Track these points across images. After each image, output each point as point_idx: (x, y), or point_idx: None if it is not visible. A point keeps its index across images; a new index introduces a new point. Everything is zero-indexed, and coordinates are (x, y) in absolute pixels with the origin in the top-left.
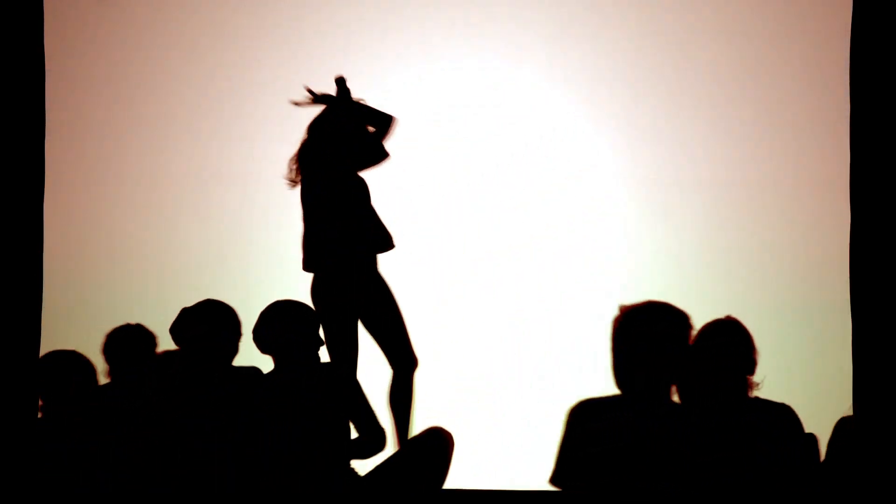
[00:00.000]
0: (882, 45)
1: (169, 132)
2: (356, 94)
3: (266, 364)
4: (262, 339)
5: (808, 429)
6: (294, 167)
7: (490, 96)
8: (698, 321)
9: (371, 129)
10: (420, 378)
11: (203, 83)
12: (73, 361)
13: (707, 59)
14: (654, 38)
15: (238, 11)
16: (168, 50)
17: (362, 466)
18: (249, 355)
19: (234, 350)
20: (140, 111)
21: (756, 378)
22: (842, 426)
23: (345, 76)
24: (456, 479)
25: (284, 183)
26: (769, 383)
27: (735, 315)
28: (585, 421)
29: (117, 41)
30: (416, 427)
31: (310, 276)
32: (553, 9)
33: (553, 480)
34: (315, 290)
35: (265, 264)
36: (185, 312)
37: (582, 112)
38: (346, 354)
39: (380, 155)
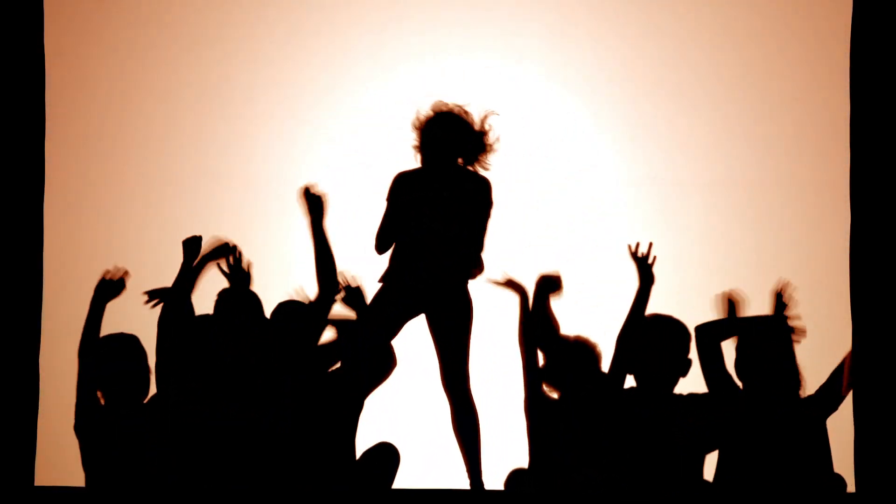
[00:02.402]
0: (882, 45)
1: (169, 132)
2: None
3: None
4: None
5: None
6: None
7: (490, 96)
8: (698, 321)
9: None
10: (419, 379)
11: (203, 83)
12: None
13: (707, 59)
14: (654, 38)
15: (238, 11)
16: (168, 50)
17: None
18: None
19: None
20: (140, 111)
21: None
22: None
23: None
24: (455, 479)
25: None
26: None
27: (735, 315)
28: None
29: (117, 41)
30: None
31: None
32: (553, 8)
33: None
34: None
35: (266, 264)
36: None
37: (582, 112)
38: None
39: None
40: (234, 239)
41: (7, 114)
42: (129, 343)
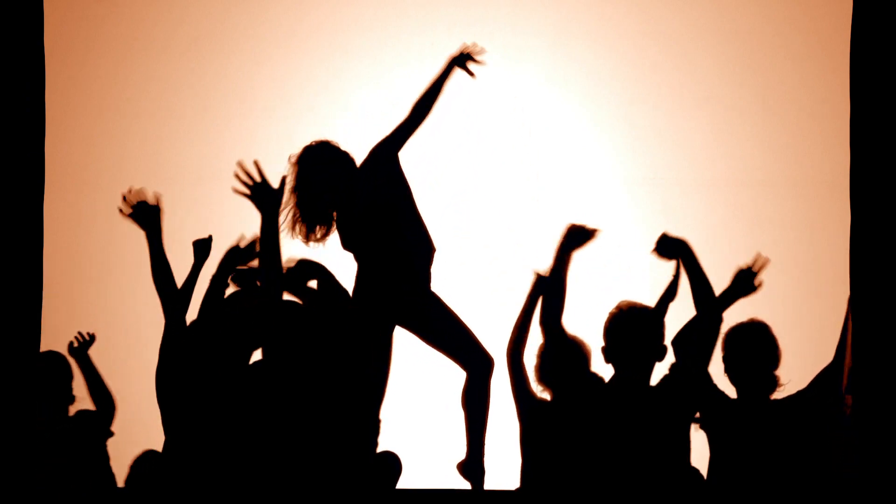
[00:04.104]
0: (882, 45)
1: (169, 132)
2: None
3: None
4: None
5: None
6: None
7: (489, 96)
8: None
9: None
10: (419, 379)
11: (203, 83)
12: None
13: (707, 59)
14: (654, 38)
15: (239, 11)
16: (169, 50)
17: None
18: None
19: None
20: (140, 111)
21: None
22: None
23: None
24: (455, 479)
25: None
26: None
27: (735, 315)
28: None
29: (117, 41)
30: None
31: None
32: (553, 9)
33: None
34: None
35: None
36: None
37: (582, 112)
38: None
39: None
40: (233, 239)
41: (7, 114)
42: (53, 361)
